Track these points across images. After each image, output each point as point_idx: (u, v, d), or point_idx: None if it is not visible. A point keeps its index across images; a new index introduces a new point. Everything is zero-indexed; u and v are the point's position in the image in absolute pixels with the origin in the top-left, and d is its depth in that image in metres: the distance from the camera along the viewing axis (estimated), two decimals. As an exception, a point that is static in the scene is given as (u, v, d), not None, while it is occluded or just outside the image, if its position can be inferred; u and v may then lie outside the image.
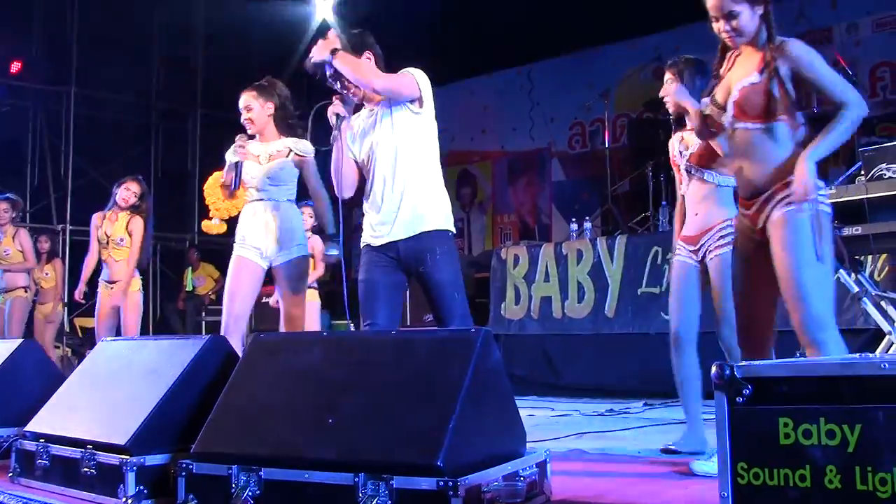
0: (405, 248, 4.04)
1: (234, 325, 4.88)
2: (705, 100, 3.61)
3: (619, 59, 11.96)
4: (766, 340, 3.41)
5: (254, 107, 5.03)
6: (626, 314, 8.04)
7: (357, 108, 4.27)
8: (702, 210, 4.40)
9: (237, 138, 5.04)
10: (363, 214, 4.22)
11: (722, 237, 4.24)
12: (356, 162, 4.25)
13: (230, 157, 5.04)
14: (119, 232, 7.07)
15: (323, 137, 4.27)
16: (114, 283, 7.04)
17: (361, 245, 4.20)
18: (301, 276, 5.05)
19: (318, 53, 4.04)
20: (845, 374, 2.07)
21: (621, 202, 10.86)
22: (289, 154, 5.01)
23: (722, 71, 3.51)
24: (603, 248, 8.26)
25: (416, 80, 4.07)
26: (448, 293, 4.00)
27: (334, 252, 4.92)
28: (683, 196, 4.52)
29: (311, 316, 8.07)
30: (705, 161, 4.34)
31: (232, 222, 5.33)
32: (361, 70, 4.04)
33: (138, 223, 7.12)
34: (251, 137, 5.11)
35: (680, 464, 3.98)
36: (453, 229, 4.16)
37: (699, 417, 4.35)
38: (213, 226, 5.30)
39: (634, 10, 10.92)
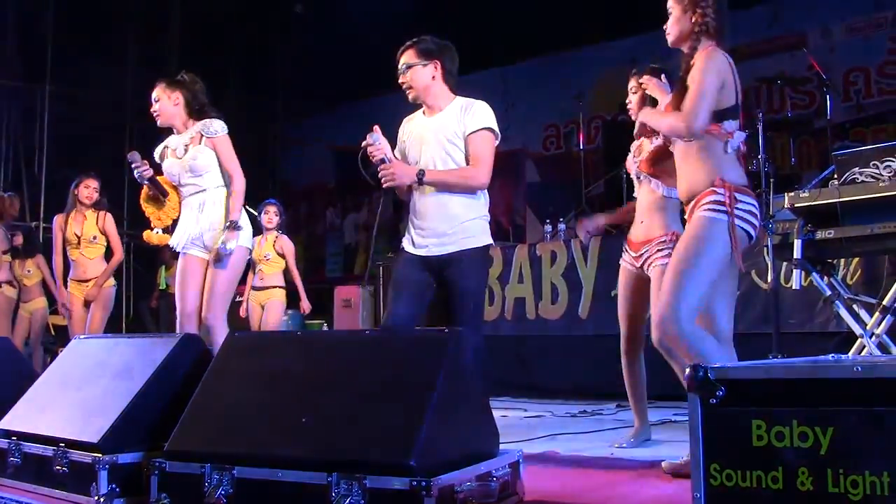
0: (437, 260, 4.11)
1: (188, 323, 4.87)
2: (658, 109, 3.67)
3: (595, 62, 11.98)
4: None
5: (161, 98, 5.00)
6: (599, 316, 8.05)
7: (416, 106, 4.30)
8: (647, 219, 4.50)
9: (129, 156, 4.95)
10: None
11: (660, 249, 4.37)
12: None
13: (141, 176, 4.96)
14: (91, 230, 7.05)
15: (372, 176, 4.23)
16: (87, 280, 7.02)
17: (401, 247, 4.25)
18: (231, 266, 4.85)
19: (401, 178, 4.07)
20: (818, 376, 2.09)
21: (595, 204, 10.87)
22: (201, 140, 4.91)
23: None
24: (577, 250, 8.27)
25: (494, 133, 4.14)
26: (465, 301, 4.05)
27: (231, 245, 4.71)
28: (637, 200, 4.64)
29: (274, 316, 8.03)
30: (653, 169, 4.41)
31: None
32: (460, 182, 4.14)
33: (111, 220, 7.16)
34: (169, 132, 5.09)
35: (653, 464, 4.01)
36: (489, 241, 4.22)
37: (647, 413, 4.81)
38: (155, 236, 5.14)
39: (610, 13, 10.95)
